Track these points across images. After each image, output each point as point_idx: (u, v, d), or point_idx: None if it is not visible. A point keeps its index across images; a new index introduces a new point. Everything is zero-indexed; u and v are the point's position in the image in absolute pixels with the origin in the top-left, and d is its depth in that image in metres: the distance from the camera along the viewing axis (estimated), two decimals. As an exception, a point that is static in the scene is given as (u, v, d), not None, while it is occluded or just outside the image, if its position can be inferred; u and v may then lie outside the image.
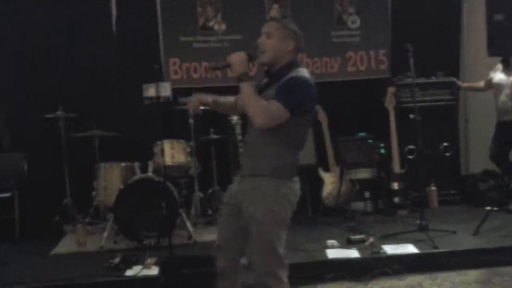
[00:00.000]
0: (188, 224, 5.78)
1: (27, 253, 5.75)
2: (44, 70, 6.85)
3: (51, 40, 6.88)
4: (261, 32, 3.21)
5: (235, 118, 6.24)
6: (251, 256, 3.19)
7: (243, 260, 3.34)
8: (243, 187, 3.17)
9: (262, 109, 2.98)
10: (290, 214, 3.17)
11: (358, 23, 7.41)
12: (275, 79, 3.13)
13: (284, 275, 3.14)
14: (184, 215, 5.81)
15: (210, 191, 6.52)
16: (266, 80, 3.25)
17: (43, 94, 6.79)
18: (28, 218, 6.40)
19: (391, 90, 6.55)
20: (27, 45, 6.87)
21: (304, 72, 3.15)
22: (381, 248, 5.02)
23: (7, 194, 6.34)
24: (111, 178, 6.03)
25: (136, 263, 4.94)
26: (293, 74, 3.09)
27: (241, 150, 3.60)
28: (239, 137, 6.14)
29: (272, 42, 3.15)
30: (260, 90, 3.15)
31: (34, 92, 6.83)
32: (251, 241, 3.14)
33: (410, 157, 6.65)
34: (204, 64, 7.08)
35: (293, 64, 3.18)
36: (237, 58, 3.09)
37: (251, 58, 3.15)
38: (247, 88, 3.04)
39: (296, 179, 3.22)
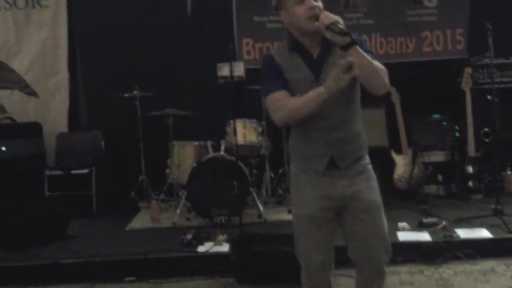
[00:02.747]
0: (259, 203, 5.85)
1: (103, 228, 6.00)
2: (120, 51, 7.04)
3: (126, 21, 7.05)
4: None
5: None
6: (368, 252, 2.79)
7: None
8: (350, 179, 2.72)
9: (385, 71, 2.63)
10: None
11: (435, 1, 7.22)
12: (330, 46, 2.65)
13: None
14: (255, 194, 5.89)
15: (280, 171, 6.55)
16: (315, 50, 2.71)
17: (120, 74, 6.98)
18: (105, 194, 6.64)
19: (468, 70, 6.36)
20: (103, 28, 7.09)
21: None
22: (454, 232, 4.93)
23: (85, 171, 6.58)
24: (184, 156, 6.16)
25: (208, 239, 5.06)
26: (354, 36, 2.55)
27: (325, 141, 2.71)
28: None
29: (320, 3, 2.66)
30: (322, 61, 2.68)
31: (111, 72, 7.04)
32: (368, 234, 2.75)
33: (486, 140, 6.46)
34: (277, 44, 7.07)
35: None
36: (333, 19, 2.53)
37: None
38: (361, 51, 2.53)
39: None
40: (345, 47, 2.51)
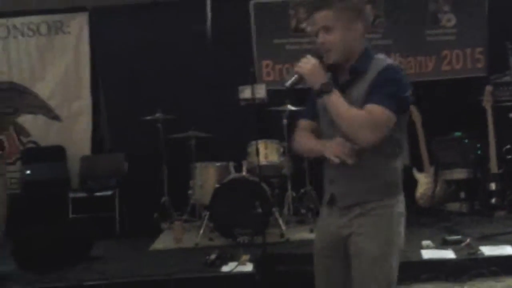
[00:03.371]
0: (281, 222, 5.86)
1: (127, 249, 6.02)
2: (142, 74, 7.16)
3: (147, 45, 7.16)
4: (316, 29, 2.52)
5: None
6: None
7: None
8: (350, 220, 2.52)
9: (367, 122, 2.35)
10: (403, 238, 2.56)
11: (453, 22, 7.25)
12: (357, 76, 2.49)
13: None
14: (277, 213, 5.89)
15: (302, 190, 6.55)
16: (345, 77, 2.55)
17: (142, 97, 7.09)
18: (128, 215, 6.72)
19: (488, 88, 6.38)
20: (125, 52, 7.21)
21: (387, 59, 2.51)
22: (478, 250, 4.90)
23: (109, 193, 6.65)
24: (206, 177, 6.20)
25: (231, 259, 5.05)
26: (380, 65, 2.45)
27: (330, 177, 2.61)
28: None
29: (336, 36, 2.45)
30: (344, 89, 2.50)
31: (133, 95, 7.15)
32: (357, 284, 2.52)
33: (509, 157, 6.44)
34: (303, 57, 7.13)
35: (369, 52, 2.53)
36: (308, 67, 2.46)
37: (321, 58, 2.51)
38: (335, 101, 2.42)
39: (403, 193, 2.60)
40: (317, 94, 2.46)
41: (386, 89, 2.38)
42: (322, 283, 2.67)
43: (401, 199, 2.54)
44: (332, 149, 2.44)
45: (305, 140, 2.66)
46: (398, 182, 2.53)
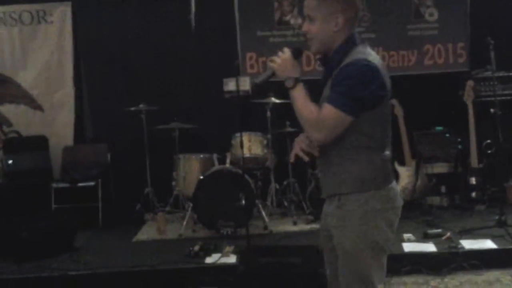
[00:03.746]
0: (264, 214, 5.90)
1: (110, 240, 6.05)
2: (126, 65, 7.15)
3: (131, 36, 7.16)
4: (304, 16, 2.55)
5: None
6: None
7: None
8: (329, 210, 2.60)
9: (315, 121, 2.40)
10: (390, 233, 2.51)
11: (436, 16, 7.31)
12: (330, 69, 2.51)
13: None
14: (260, 205, 5.94)
15: (285, 182, 6.60)
16: (324, 72, 2.61)
17: (125, 88, 7.08)
18: (111, 206, 6.70)
19: (470, 83, 6.44)
20: (108, 42, 7.19)
21: (360, 53, 2.45)
22: (459, 243, 4.97)
23: (91, 183, 6.62)
24: (190, 169, 6.23)
25: (215, 251, 5.10)
26: (347, 60, 2.42)
27: (318, 166, 2.69)
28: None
29: (316, 26, 2.48)
30: (322, 87, 2.56)
31: (117, 86, 7.14)
32: (340, 275, 2.57)
33: (489, 151, 6.53)
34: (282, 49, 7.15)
35: (350, 43, 2.50)
36: (280, 61, 2.52)
37: (299, 52, 2.55)
38: (295, 96, 2.48)
39: (392, 186, 2.53)
40: (287, 88, 2.51)
41: (341, 88, 2.38)
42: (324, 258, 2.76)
43: (382, 193, 2.47)
44: (295, 148, 2.57)
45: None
46: (372, 176, 2.47)
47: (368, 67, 2.39)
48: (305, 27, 2.53)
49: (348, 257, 2.48)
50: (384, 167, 2.51)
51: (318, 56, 2.64)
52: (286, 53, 2.52)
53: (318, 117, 2.39)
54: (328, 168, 2.54)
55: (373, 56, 2.47)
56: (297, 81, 2.48)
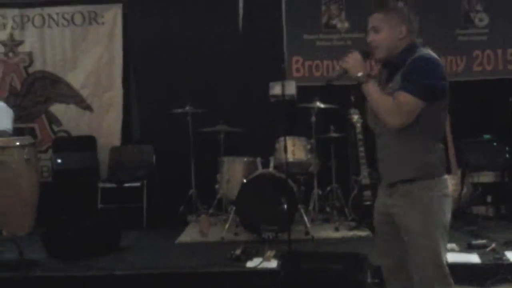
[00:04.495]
0: (306, 220, 5.90)
1: (154, 241, 6.12)
2: (173, 67, 7.23)
3: (182, 39, 7.26)
4: (368, 29, 2.91)
5: (355, 117, 6.28)
6: (411, 267, 2.88)
7: None
8: (391, 199, 2.86)
9: (393, 108, 2.70)
10: (448, 216, 2.83)
11: (486, 21, 7.20)
12: (396, 68, 2.84)
13: None
14: (302, 211, 5.93)
15: (328, 188, 6.59)
16: (386, 73, 2.96)
17: (173, 90, 7.16)
18: (155, 207, 6.79)
19: (519, 91, 6.33)
20: (157, 45, 7.31)
21: (426, 51, 2.81)
22: (504, 255, 4.87)
23: (137, 184, 6.73)
24: (234, 172, 6.27)
25: (256, 255, 5.11)
26: (414, 56, 2.77)
27: (379, 157, 2.97)
28: (360, 136, 6.19)
29: (382, 35, 2.84)
30: (384, 85, 2.88)
31: (164, 88, 7.24)
32: (413, 264, 2.83)
33: (538, 161, 6.41)
34: (327, 62, 7.16)
35: (412, 47, 2.84)
36: (351, 61, 2.86)
37: (367, 55, 2.91)
38: (370, 89, 2.79)
39: (447, 176, 2.85)
40: (359, 85, 2.84)
41: (412, 77, 2.70)
42: (381, 250, 3.03)
43: (441, 179, 2.79)
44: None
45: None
46: (437, 163, 2.78)
47: (434, 59, 2.76)
48: (370, 37, 2.89)
49: (421, 240, 2.74)
50: (443, 156, 2.83)
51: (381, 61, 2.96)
52: (356, 54, 2.86)
53: (394, 103, 2.69)
54: (392, 156, 2.84)
55: (434, 55, 2.81)
56: (369, 76, 2.82)
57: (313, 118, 6.33)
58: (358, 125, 6.25)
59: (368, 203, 6.13)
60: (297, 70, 7.25)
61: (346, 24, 7.24)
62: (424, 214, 2.74)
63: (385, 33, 2.84)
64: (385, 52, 2.87)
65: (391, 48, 2.85)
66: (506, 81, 7.06)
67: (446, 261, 2.83)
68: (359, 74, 2.82)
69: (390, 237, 2.93)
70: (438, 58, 2.79)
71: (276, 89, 6.18)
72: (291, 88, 6.22)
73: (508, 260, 4.79)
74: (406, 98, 2.68)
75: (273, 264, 4.91)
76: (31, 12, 7.38)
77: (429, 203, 2.75)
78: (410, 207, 2.77)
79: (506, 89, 6.80)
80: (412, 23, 2.88)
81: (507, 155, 6.56)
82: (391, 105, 2.70)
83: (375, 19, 2.89)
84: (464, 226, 5.91)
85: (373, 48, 2.88)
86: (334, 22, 7.27)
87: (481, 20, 7.21)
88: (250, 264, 4.95)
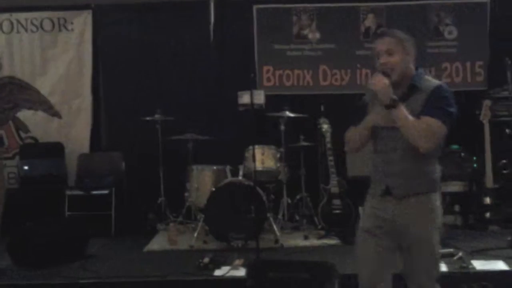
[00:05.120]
0: (276, 228, 5.89)
1: (122, 248, 6.06)
2: (143, 75, 7.22)
3: (153, 46, 7.23)
4: (378, 51, 3.09)
5: (325, 126, 6.32)
6: (419, 280, 3.14)
7: None
8: (404, 208, 3.06)
9: (426, 133, 2.93)
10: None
11: (455, 34, 7.29)
12: (414, 91, 3.05)
13: None
14: (272, 219, 5.93)
15: (298, 197, 6.59)
16: (400, 91, 3.08)
17: (142, 98, 7.13)
18: (123, 215, 6.72)
19: (487, 103, 6.41)
20: (127, 52, 7.28)
21: (433, 79, 3.16)
22: (470, 264, 4.90)
23: (105, 192, 6.67)
24: (203, 180, 6.25)
25: (225, 263, 5.08)
26: (433, 84, 3.05)
27: (379, 168, 3.17)
28: (329, 145, 6.23)
29: (397, 58, 3.05)
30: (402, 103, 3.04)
31: (133, 96, 7.20)
32: (419, 264, 3.10)
33: (504, 171, 6.48)
34: (297, 72, 7.19)
35: (421, 71, 3.16)
36: (379, 84, 3.01)
37: (387, 75, 3.04)
38: (402, 113, 2.97)
39: None
40: (387, 107, 3.00)
41: (440, 105, 2.97)
42: (363, 256, 3.21)
43: (439, 193, 3.15)
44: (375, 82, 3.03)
45: (354, 130, 3.21)
46: (439, 180, 3.15)
47: (450, 90, 3.07)
48: (384, 59, 3.06)
49: (426, 247, 3.06)
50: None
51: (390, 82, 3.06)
52: (383, 78, 3.01)
53: (429, 129, 2.93)
54: (405, 172, 3.04)
55: None
56: (399, 102, 2.99)
57: (283, 127, 6.35)
58: (328, 134, 6.29)
59: (337, 211, 6.18)
60: (268, 79, 7.26)
61: (317, 35, 7.27)
62: (430, 223, 3.07)
63: (399, 56, 3.05)
64: (399, 74, 3.05)
65: (404, 70, 3.06)
66: (474, 93, 7.13)
67: None
68: (390, 98, 2.98)
69: (381, 245, 3.13)
70: None
71: (244, 98, 6.20)
72: (259, 97, 6.24)
73: (474, 268, 4.82)
74: (437, 124, 2.94)
75: (241, 272, 4.89)
76: (-1, 17, 7.29)
77: (435, 213, 3.10)
78: (419, 215, 3.04)
79: (473, 101, 6.87)
80: (416, 48, 3.18)
81: (474, 165, 6.63)
82: (425, 130, 2.92)
83: (389, 43, 3.07)
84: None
85: (388, 69, 3.05)
86: (305, 32, 7.30)
87: (450, 33, 7.30)
88: (218, 272, 4.92)
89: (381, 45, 3.09)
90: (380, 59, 3.09)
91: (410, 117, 2.95)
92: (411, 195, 3.05)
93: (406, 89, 3.08)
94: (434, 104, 2.97)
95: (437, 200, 3.11)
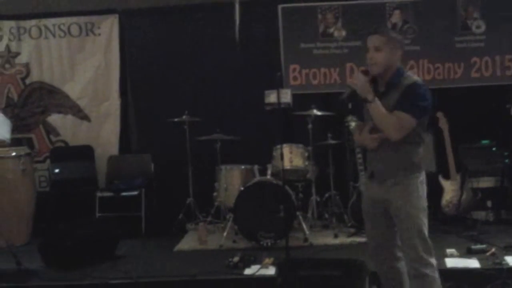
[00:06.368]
0: (305, 226, 5.88)
1: (152, 249, 6.12)
2: (170, 77, 7.25)
3: (179, 48, 7.25)
4: (368, 46, 3.44)
5: (353, 124, 6.25)
6: (404, 243, 3.47)
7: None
8: (386, 188, 3.47)
9: (394, 125, 3.33)
10: (426, 200, 3.51)
11: (483, 28, 7.18)
12: (391, 87, 3.44)
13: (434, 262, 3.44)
14: (301, 218, 5.92)
15: (326, 195, 6.56)
16: (380, 88, 3.51)
17: (169, 100, 7.15)
18: (153, 215, 6.78)
19: (517, 97, 6.32)
20: (154, 54, 7.33)
21: (414, 76, 3.51)
22: (504, 259, 4.85)
23: (135, 193, 6.72)
24: (231, 180, 6.25)
25: (254, 262, 5.10)
26: (408, 81, 3.41)
27: (371, 155, 3.63)
28: (357, 143, 6.17)
29: (383, 55, 3.40)
30: (379, 98, 3.42)
31: (161, 98, 7.22)
32: (401, 232, 3.47)
33: (537, 166, 6.38)
34: (324, 70, 7.16)
35: (401, 70, 3.48)
36: (359, 82, 3.41)
37: (367, 73, 3.45)
38: (375, 108, 3.38)
39: (423, 170, 3.53)
40: (364, 101, 3.43)
41: (412, 100, 3.35)
42: (369, 232, 3.72)
43: (422, 173, 3.51)
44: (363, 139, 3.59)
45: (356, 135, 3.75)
46: (419, 163, 3.49)
47: (425, 85, 3.45)
48: (371, 54, 3.42)
49: (409, 219, 3.40)
50: (422, 156, 3.52)
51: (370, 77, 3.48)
52: (362, 76, 3.43)
53: (398, 121, 3.32)
54: (386, 158, 3.47)
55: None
56: (375, 97, 3.39)
57: (310, 126, 6.32)
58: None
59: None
60: (295, 78, 7.23)
61: (343, 33, 7.23)
62: (412, 199, 3.42)
63: (385, 53, 3.40)
64: (381, 69, 3.42)
65: (387, 67, 3.42)
66: (504, 87, 7.03)
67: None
68: (369, 95, 3.38)
69: (377, 223, 3.61)
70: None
71: (271, 97, 6.20)
72: (286, 96, 6.23)
73: (507, 264, 4.76)
74: (406, 118, 3.32)
75: (271, 271, 4.91)
76: (28, 23, 7.39)
77: (415, 191, 3.44)
78: (401, 193, 3.42)
79: (504, 95, 6.77)
80: (403, 49, 3.57)
81: (506, 160, 6.52)
82: (395, 122, 3.33)
83: (377, 40, 3.42)
84: (464, 231, 5.90)
85: (371, 64, 3.43)
86: (331, 30, 7.26)
87: (478, 27, 7.19)
88: (248, 271, 4.95)
89: (371, 41, 3.44)
90: (367, 54, 3.44)
91: (383, 111, 3.35)
92: (391, 178, 3.45)
93: (385, 86, 3.47)
94: (406, 99, 3.35)
95: (417, 181, 3.45)
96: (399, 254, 3.60)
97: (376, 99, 3.39)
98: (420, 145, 3.51)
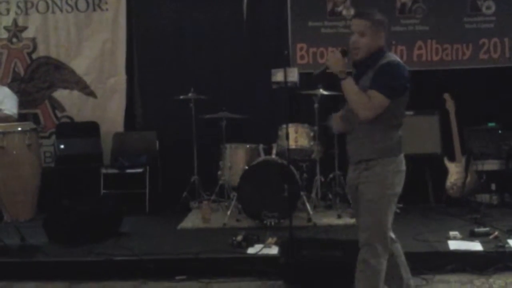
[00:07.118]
0: (309, 207, 5.89)
1: (155, 226, 6.13)
2: (177, 54, 7.22)
3: (186, 25, 7.23)
4: (352, 30, 3.39)
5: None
6: (361, 236, 3.44)
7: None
8: (356, 172, 3.43)
9: (365, 103, 3.25)
10: (399, 189, 3.41)
11: (493, 9, 7.10)
12: (368, 67, 3.37)
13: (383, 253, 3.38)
14: (305, 198, 5.93)
15: (331, 175, 6.54)
16: (358, 69, 3.46)
17: (176, 77, 7.14)
18: (157, 193, 6.83)
19: (525, 79, 6.27)
20: (161, 31, 7.30)
21: (392, 56, 3.41)
22: (507, 243, 4.84)
23: (139, 170, 6.73)
24: (236, 159, 6.26)
25: (257, 241, 5.12)
26: (383, 61, 3.32)
27: (348, 138, 3.57)
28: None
29: (366, 40, 3.34)
30: (356, 81, 3.36)
31: (167, 75, 7.22)
32: (360, 213, 3.46)
33: (542, 149, 6.35)
34: (331, 49, 7.09)
35: (381, 51, 3.39)
36: (332, 59, 3.38)
37: (346, 53, 3.39)
38: (347, 85, 3.32)
39: (402, 155, 3.43)
40: (338, 79, 3.36)
41: (383, 79, 3.27)
42: (356, 216, 3.64)
43: (398, 158, 3.40)
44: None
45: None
46: (393, 147, 3.38)
47: (400, 65, 3.35)
48: (355, 38, 3.37)
49: (371, 206, 3.34)
50: (400, 140, 3.42)
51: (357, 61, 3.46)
52: (337, 53, 3.38)
53: (368, 100, 3.24)
54: (358, 140, 3.41)
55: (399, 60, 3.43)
56: (346, 74, 3.32)
57: (316, 105, 6.29)
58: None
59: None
60: (302, 57, 7.19)
61: (352, 11, 7.16)
62: (378, 186, 3.33)
63: (369, 38, 3.34)
64: (364, 54, 3.37)
65: (371, 51, 3.36)
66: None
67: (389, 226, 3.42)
68: (339, 71, 3.32)
69: (356, 204, 3.55)
70: (402, 63, 3.37)
71: (278, 75, 6.16)
72: (293, 75, 6.19)
73: (510, 248, 4.78)
74: (376, 96, 3.24)
75: (274, 250, 4.93)
76: (35, -3, 7.35)
77: (384, 178, 3.34)
78: (368, 179, 3.36)
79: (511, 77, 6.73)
80: (387, 30, 3.48)
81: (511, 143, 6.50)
82: (366, 101, 3.25)
83: (361, 25, 3.35)
84: (468, 214, 5.88)
85: (353, 48, 3.38)
86: (339, 9, 7.20)
87: (488, 8, 7.12)
88: (251, 250, 4.97)
89: (356, 25, 3.38)
90: (351, 37, 3.39)
91: (355, 89, 3.29)
92: (363, 161, 3.38)
93: (363, 67, 3.41)
94: (378, 78, 3.27)
95: (389, 168, 3.34)
96: (392, 235, 3.53)
97: (349, 77, 3.33)
98: (396, 128, 3.40)
